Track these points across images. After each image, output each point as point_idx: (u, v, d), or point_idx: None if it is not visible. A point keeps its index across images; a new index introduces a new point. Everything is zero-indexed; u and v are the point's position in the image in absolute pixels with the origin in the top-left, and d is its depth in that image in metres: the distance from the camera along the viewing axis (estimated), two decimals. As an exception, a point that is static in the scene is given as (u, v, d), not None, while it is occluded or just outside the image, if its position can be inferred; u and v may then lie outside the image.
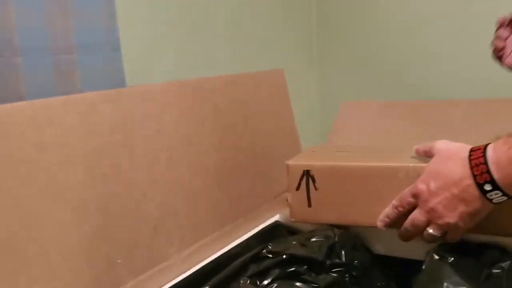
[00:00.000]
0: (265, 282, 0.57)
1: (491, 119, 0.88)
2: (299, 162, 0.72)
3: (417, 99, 1.27)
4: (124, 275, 0.56)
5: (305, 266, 0.60)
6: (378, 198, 0.67)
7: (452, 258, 0.58)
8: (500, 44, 0.79)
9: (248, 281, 0.57)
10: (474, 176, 0.53)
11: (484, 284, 0.55)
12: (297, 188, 0.72)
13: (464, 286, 0.54)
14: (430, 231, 0.58)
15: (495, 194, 0.52)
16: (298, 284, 0.57)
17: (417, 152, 0.65)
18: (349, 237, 0.68)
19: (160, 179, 0.63)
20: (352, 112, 1.00)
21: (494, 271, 0.57)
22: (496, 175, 0.51)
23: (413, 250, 0.68)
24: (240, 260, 0.61)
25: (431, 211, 0.57)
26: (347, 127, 0.96)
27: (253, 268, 0.60)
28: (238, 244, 0.68)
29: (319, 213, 0.71)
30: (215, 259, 0.64)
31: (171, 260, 0.61)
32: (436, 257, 0.59)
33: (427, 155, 0.62)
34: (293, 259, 0.59)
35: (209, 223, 0.69)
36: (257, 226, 0.76)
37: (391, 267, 0.73)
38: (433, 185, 0.57)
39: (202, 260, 0.63)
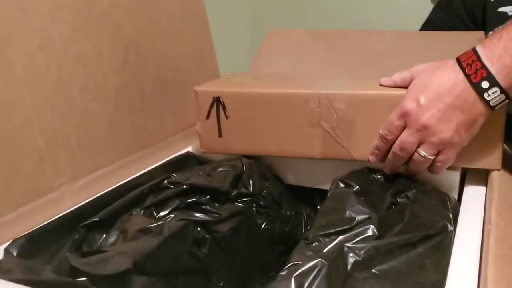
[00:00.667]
0: (162, 213, 0.53)
1: (416, 52, 0.86)
2: (209, 88, 0.67)
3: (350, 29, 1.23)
4: (1, 207, 0.50)
5: (208, 196, 0.56)
6: (290, 127, 0.64)
7: (357, 187, 0.56)
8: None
9: (142, 212, 0.53)
10: (468, 77, 0.48)
11: (387, 212, 0.53)
12: (207, 117, 0.67)
13: (366, 214, 0.52)
14: (422, 152, 0.53)
15: (493, 92, 0.48)
16: (197, 214, 0.54)
17: (394, 82, 0.57)
18: (259, 167, 0.65)
19: (46, 102, 0.55)
20: (276, 40, 0.94)
21: (399, 200, 0.56)
22: (492, 68, 0.47)
23: (324, 180, 0.67)
24: (137, 190, 0.56)
25: (423, 129, 0.51)
26: (271, 55, 0.90)
27: (151, 199, 0.56)
28: (141, 175, 0.64)
29: (231, 143, 0.67)
30: (112, 190, 0.59)
31: (60, 191, 0.56)
32: (342, 185, 0.57)
33: (405, 84, 0.56)
34: (195, 189, 0.56)
35: (109, 152, 0.63)
36: (166, 157, 0.71)
37: (301, 197, 0.71)
38: (423, 99, 0.51)
39: (97, 192, 0.59)
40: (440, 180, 0.60)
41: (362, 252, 0.46)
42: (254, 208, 0.62)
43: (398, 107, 0.54)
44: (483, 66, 0.48)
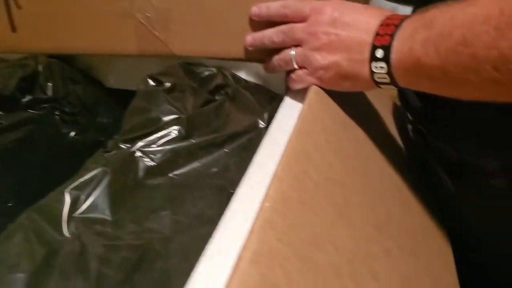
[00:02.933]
0: None
1: None
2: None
3: None
4: None
5: (-16, 103, 0.46)
6: (97, 18, 0.53)
7: (169, 84, 0.49)
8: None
9: None
10: (375, 34, 0.40)
11: (199, 110, 0.48)
12: (-7, 6, 0.54)
13: (175, 114, 0.46)
14: (292, 53, 0.45)
15: (380, 67, 0.39)
16: (-35, 125, 0.44)
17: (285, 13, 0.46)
18: (64, 68, 0.55)
19: None
20: None
21: (217, 97, 0.51)
22: (396, 44, 0.38)
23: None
24: None
25: (312, 35, 0.43)
26: None
27: None
28: None
29: (28, 40, 0.55)
30: None
31: None
32: (152, 82, 0.50)
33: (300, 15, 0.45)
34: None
35: None
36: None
37: (127, 102, 0.63)
38: (338, 14, 0.42)
39: None
40: (267, 74, 0.56)
41: (158, 156, 0.41)
42: (57, 116, 0.52)
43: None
44: (392, 35, 0.39)
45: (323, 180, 0.36)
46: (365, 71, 0.41)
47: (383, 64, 0.39)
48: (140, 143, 0.43)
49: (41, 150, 0.50)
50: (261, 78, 0.56)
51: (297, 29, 0.45)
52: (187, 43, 0.54)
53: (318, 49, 0.43)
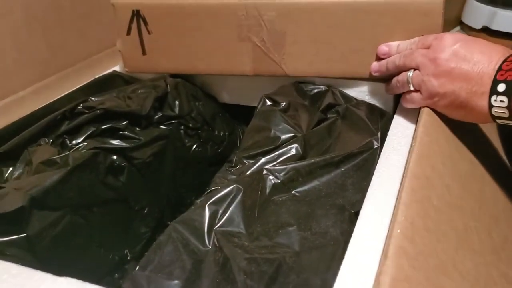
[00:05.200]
0: (75, 141, 0.49)
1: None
2: (127, 0, 0.60)
3: None
4: None
5: (126, 121, 0.52)
6: (218, 42, 0.59)
7: (284, 103, 0.53)
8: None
9: (51, 142, 0.49)
10: (499, 69, 0.41)
11: (314, 129, 0.51)
12: (128, 33, 0.61)
13: (292, 132, 0.50)
14: (410, 74, 0.48)
15: (500, 101, 0.40)
16: (113, 141, 0.50)
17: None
18: (187, 86, 0.61)
19: None
20: None
21: (329, 115, 0.54)
22: None
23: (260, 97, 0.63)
24: (49, 117, 0.51)
25: (433, 61, 0.45)
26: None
27: (65, 126, 0.52)
28: (59, 99, 0.59)
29: (156, 61, 0.62)
30: (24, 117, 0.54)
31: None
32: (269, 102, 0.54)
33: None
34: (110, 114, 0.51)
35: (21, 76, 0.58)
36: (91, 78, 0.66)
37: (238, 115, 0.68)
38: (459, 47, 0.44)
39: (10, 120, 0.54)
40: (375, 93, 0.58)
41: (282, 174, 0.44)
42: (182, 131, 0.58)
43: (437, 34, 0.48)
44: None
45: (443, 205, 0.38)
46: (482, 104, 0.42)
47: (503, 98, 0.39)
48: (262, 160, 0.47)
49: (170, 162, 0.56)
50: (366, 95, 0.59)
51: (418, 53, 0.47)
52: (299, 63, 0.57)
53: (436, 75, 0.45)
